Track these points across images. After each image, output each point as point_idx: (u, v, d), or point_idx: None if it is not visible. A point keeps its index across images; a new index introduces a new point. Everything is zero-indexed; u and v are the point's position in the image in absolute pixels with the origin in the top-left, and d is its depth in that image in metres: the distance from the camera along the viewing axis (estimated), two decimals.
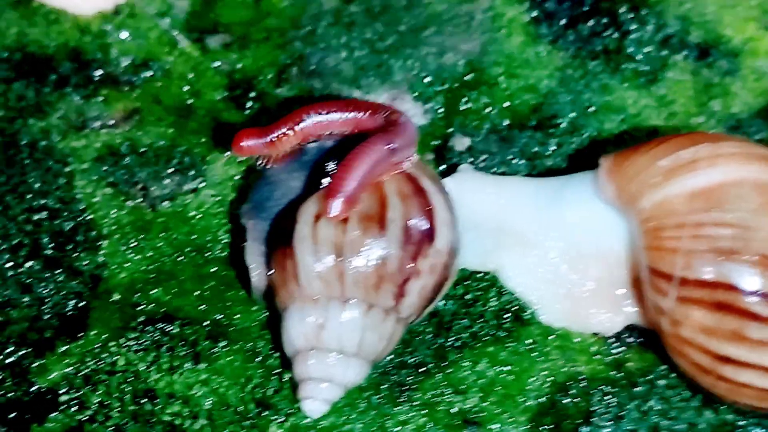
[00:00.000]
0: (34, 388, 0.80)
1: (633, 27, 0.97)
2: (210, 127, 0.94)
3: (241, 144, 0.80)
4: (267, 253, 0.79)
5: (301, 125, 0.80)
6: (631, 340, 0.81)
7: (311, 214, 0.75)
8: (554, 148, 0.92)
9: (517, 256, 0.83)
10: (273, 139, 0.80)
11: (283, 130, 0.79)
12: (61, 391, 0.79)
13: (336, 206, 0.73)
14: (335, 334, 0.74)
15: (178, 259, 0.85)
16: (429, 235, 0.74)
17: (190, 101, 0.95)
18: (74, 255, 0.85)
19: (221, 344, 0.80)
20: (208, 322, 0.81)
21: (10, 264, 0.84)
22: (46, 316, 0.82)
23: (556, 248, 0.82)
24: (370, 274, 0.73)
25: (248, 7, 1.00)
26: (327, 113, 0.80)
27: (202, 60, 0.97)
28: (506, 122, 0.93)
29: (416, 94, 0.95)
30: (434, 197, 0.75)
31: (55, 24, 0.98)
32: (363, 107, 0.79)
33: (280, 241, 0.76)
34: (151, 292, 0.83)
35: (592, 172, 0.82)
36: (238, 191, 0.89)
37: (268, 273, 0.78)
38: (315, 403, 0.76)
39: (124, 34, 0.99)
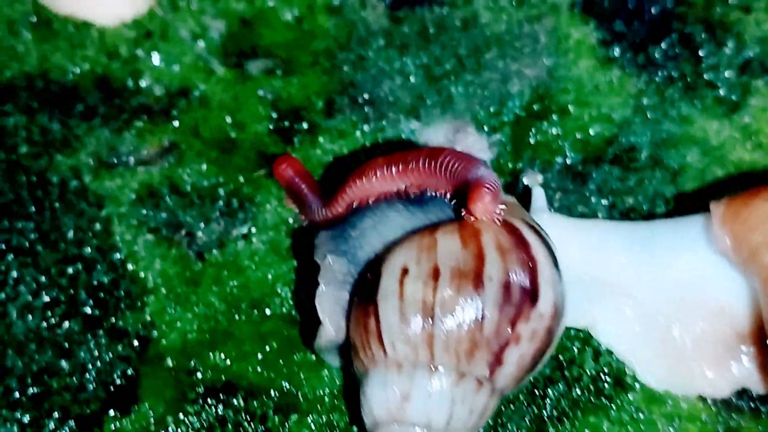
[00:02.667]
0: None
1: (709, 50, 0.89)
2: (256, 163, 0.84)
3: (281, 172, 0.78)
4: (345, 302, 0.69)
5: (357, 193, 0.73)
6: (743, 404, 0.73)
7: (398, 267, 0.66)
8: (634, 184, 0.83)
9: (611, 309, 0.75)
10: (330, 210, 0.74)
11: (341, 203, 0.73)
12: None
13: (490, 198, 0.66)
14: (421, 406, 0.66)
15: (234, 317, 0.76)
16: (531, 296, 0.66)
17: (232, 134, 0.86)
18: (117, 313, 0.76)
19: (293, 418, 0.71)
20: (274, 391, 0.72)
21: (45, 324, 0.75)
22: (91, 386, 0.73)
23: (654, 300, 0.74)
24: (462, 338, 0.65)
25: (290, 28, 0.92)
26: (378, 177, 0.72)
27: (243, 88, 0.88)
28: (580, 156, 0.85)
29: (480, 125, 0.86)
30: (537, 251, 0.67)
31: (79, 48, 0.89)
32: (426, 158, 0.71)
33: (360, 295, 0.67)
34: (208, 357, 0.74)
35: (696, 218, 0.74)
36: (293, 237, 0.80)
37: (345, 328, 0.69)
38: None
39: (156, 59, 0.89)
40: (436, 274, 0.65)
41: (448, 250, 0.66)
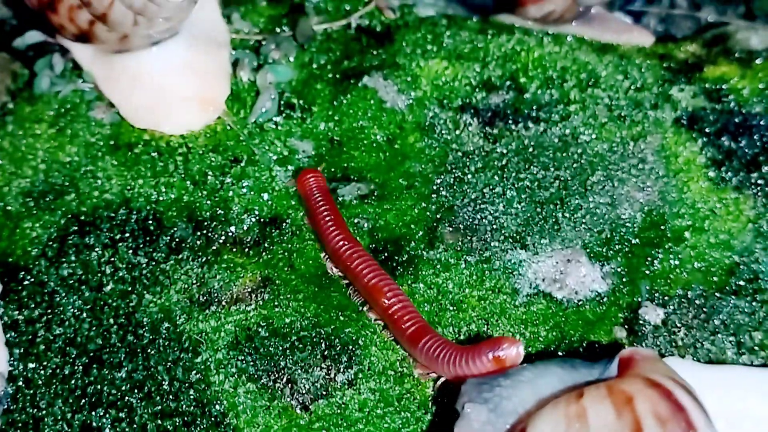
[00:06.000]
0: None
1: None
2: (358, 302, 0.79)
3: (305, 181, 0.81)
4: None
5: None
6: None
7: None
8: (763, 318, 0.77)
9: None
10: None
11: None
12: None
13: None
14: None
15: None
16: None
17: (329, 270, 0.80)
18: None
19: None
20: None
21: None
22: None
23: None
24: None
25: (381, 148, 0.87)
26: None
27: None
28: (701, 288, 0.79)
29: (592, 253, 0.81)
30: (695, 416, 0.61)
31: (162, 175, 0.84)
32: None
33: None
34: None
35: None
36: (401, 381, 0.74)
37: None
38: None
39: (244, 187, 0.84)
40: None
41: (601, 421, 0.60)
